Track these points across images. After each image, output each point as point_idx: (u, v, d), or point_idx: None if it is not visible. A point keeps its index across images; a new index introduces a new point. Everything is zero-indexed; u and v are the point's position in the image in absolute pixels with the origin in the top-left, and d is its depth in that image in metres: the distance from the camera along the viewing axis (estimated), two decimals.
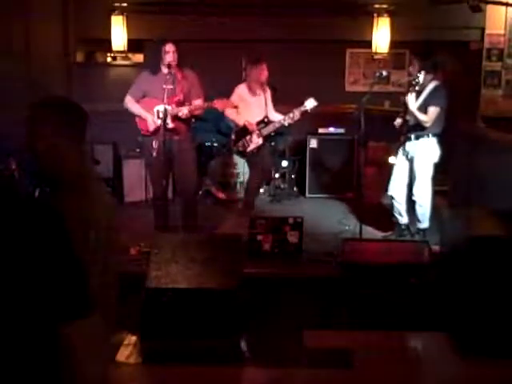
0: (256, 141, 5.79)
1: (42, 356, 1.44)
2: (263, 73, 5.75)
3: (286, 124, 5.76)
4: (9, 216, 1.39)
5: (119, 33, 7.19)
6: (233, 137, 5.85)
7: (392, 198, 5.37)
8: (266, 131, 5.81)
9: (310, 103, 5.61)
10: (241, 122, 5.76)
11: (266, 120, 5.82)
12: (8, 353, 1.38)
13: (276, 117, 5.86)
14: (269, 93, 5.96)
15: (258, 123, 5.79)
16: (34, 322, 1.42)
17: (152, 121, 4.88)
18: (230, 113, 5.73)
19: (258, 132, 5.76)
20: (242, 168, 6.61)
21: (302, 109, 5.63)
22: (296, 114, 5.65)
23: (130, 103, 4.98)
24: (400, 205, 5.34)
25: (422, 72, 4.90)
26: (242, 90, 5.81)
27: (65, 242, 1.46)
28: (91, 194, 1.96)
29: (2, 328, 1.37)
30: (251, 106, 5.79)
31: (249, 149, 5.81)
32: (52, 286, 1.41)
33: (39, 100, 1.99)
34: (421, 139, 5.09)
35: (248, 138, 5.77)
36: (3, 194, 1.44)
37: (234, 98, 5.73)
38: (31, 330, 1.41)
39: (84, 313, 1.48)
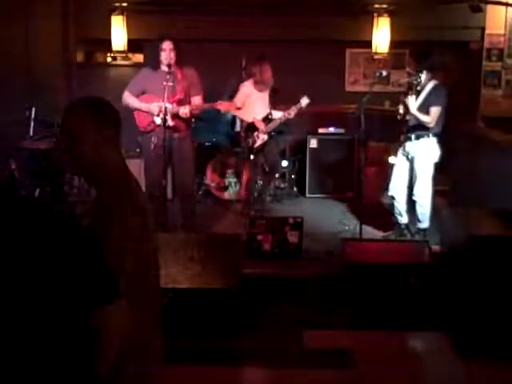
0: (262, 137, 5.85)
1: (76, 339, 1.53)
2: (268, 70, 5.80)
3: (283, 120, 5.84)
4: (41, 218, 1.49)
5: (119, 33, 7.19)
6: (242, 134, 5.89)
7: (392, 198, 5.37)
8: (270, 128, 5.87)
9: (304, 101, 5.69)
10: (249, 119, 5.82)
11: (270, 116, 5.88)
12: (45, 338, 1.47)
13: (277, 113, 5.91)
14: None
15: (263, 120, 5.85)
16: (68, 308, 1.51)
17: (155, 108, 4.84)
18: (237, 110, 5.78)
19: (263, 129, 5.82)
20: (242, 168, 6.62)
21: (298, 106, 5.70)
22: (293, 110, 5.72)
23: (129, 98, 4.96)
24: (400, 205, 5.34)
25: (424, 72, 4.90)
26: (247, 87, 5.84)
27: (86, 239, 1.57)
28: (131, 189, 1.98)
29: (38, 316, 1.45)
30: (256, 103, 5.84)
31: (256, 145, 5.87)
32: (83, 275, 1.52)
33: (77, 101, 1.98)
34: (421, 139, 5.08)
35: (256, 134, 5.83)
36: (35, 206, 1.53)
37: (240, 95, 5.80)
38: (65, 316, 1.51)
39: (113, 298, 1.58)
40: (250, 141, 5.85)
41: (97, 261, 1.58)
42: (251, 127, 5.85)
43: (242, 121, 5.99)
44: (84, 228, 1.63)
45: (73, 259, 1.52)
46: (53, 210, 1.56)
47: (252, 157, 5.97)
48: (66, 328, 1.52)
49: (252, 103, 5.83)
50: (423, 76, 4.90)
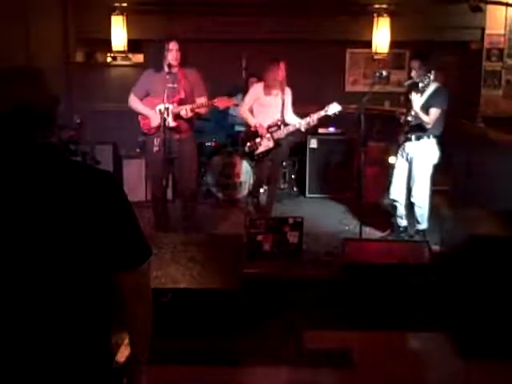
0: (266, 144, 5.53)
1: (102, 297, 1.66)
2: (280, 72, 5.50)
3: (303, 129, 5.47)
4: (80, 181, 1.62)
5: (119, 33, 7.20)
6: (242, 136, 5.74)
7: (394, 201, 5.34)
8: (278, 134, 5.51)
9: (334, 108, 5.28)
10: (252, 123, 5.55)
11: (279, 123, 5.52)
12: (76, 295, 1.60)
13: (293, 119, 5.54)
14: (289, 94, 5.65)
15: (271, 126, 5.51)
16: (100, 268, 1.64)
17: (155, 118, 4.86)
18: (242, 112, 5.60)
19: (269, 135, 5.52)
20: (243, 168, 6.61)
21: (322, 113, 5.33)
22: (314, 118, 5.37)
23: (135, 102, 4.97)
24: (402, 207, 5.33)
25: (432, 72, 4.89)
26: (257, 89, 5.60)
27: (125, 202, 1.70)
28: None
29: (75, 275, 1.58)
30: (265, 107, 5.55)
31: (257, 151, 5.59)
32: (116, 238, 1.65)
33: None
34: (421, 140, 5.08)
35: (258, 140, 5.54)
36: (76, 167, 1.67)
37: (249, 97, 5.60)
38: (96, 276, 1.64)
39: (142, 261, 1.72)
40: (248, 146, 5.59)
41: (135, 222, 1.72)
42: (252, 133, 5.58)
43: (245, 123, 5.78)
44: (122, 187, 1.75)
45: (116, 215, 1.66)
46: (113, 177, 1.72)
47: (254, 162, 5.86)
48: (97, 279, 1.64)
49: (260, 106, 5.56)
50: (431, 76, 4.89)
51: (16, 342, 1.55)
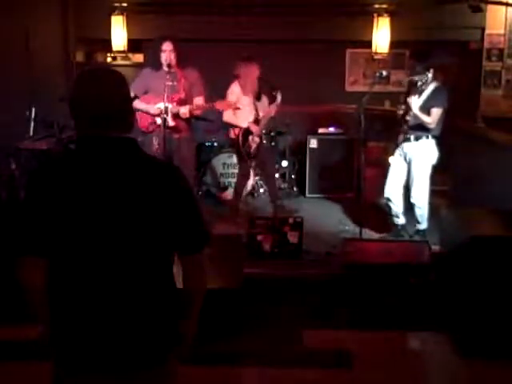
0: (256, 140, 5.76)
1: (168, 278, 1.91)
2: (254, 71, 5.66)
3: (267, 118, 5.85)
4: (151, 172, 1.84)
5: (119, 33, 7.20)
6: (241, 140, 5.72)
7: (388, 199, 5.36)
8: (260, 129, 5.81)
9: (279, 96, 5.70)
10: (243, 125, 5.66)
11: (258, 118, 5.78)
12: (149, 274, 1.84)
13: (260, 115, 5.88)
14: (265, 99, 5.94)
15: (254, 122, 5.74)
16: (167, 252, 1.89)
17: (156, 110, 4.84)
18: (229, 117, 5.66)
19: (257, 132, 5.73)
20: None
21: (277, 103, 5.73)
22: (273, 108, 5.77)
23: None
24: (396, 206, 5.34)
25: (431, 70, 4.89)
26: (236, 89, 5.68)
27: (188, 190, 1.92)
28: None
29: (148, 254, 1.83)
30: (245, 106, 5.67)
31: (252, 149, 5.76)
32: (178, 223, 1.85)
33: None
34: (420, 140, 5.08)
35: (251, 138, 5.71)
36: (148, 160, 1.89)
37: (232, 98, 5.63)
38: (165, 258, 1.89)
39: (203, 247, 1.93)
40: (247, 146, 5.73)
41: (195, 209, 1.91)
42: (247, 132, 5.69)
43: (234, 126, 5.77)
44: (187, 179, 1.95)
45: (182, 203, 1.86)
46: (179, 170, 1.91)
47: (253, 162, 5.93)
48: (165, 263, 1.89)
49: (242, 107, 5.64)
50: (430, 75, 4.89)
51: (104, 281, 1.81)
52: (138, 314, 1.82)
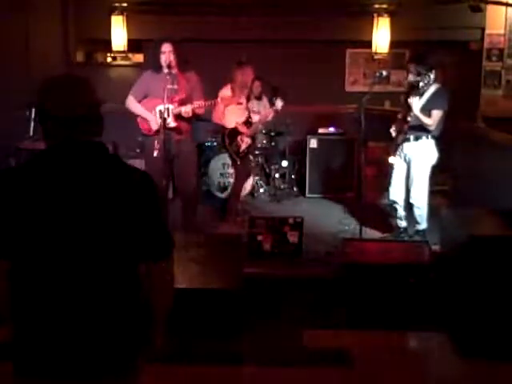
0: (246, 140, 5.86)
1: (130, 289, 1.88)
2: (249, 75, 5.76)
3: (263, 121, 6.01)
4: (118, 177, 1.85)
5: (119, 33, 7.20)
6: (226, 140, 5.83)
7: (394, 202, 5.34)
8: (252, 131, 5.93)
9: (279, 103, 5.78)
10: (231, 125, 5.79)
11: (250, 120, 5.88)
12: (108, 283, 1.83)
13: (254, 118, 5.97)
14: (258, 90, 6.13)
15: (244, 124, 5.84)
16: (131, 260, 1.87)
17: (155, 121, 4.86)
18: (217, 118, 5.73)
19: (247, 132, 5.84)
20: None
21: (274, 109, 5.82)
22: (270, 113, 5.92)
23: (132, 103, 4.96)
24: (402, 208, 5.33)
25: (433, 71, 4.89)
26: (226, 92, 5.71)
27: (156, 199, 1.94)
28: None
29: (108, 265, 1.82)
30: (235, 109, 5.77)
31: (241, 149, 5.86)
32: (142, 231, 1.85)
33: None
34: (419, 141, 5.08)
35: (239, 138, 5.82)
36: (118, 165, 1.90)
37: (222, 101, 5.56)
38: (127, 267, 1.87)
39: (168, 255, 1.93)
40: (235, 146, 5.83)
41: (161, 218, 1.95)
42: (234, 132, 5.82)
43: (221, 127, 5.88)
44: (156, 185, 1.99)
45: (147, 209, 1.87)
46: (148, 176, 1.97)
47: (239, 161, 5.96)
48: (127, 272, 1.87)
49: (231, 109, 5.73)
50: (432, 76, 4.89)
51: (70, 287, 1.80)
52: (101, 321, 1.81)
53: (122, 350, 1.85)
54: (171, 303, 1.98)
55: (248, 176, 6.30)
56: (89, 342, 1.80)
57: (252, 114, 5.98)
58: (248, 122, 5.87)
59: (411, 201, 5.21)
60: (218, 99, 5.04)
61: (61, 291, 1.79)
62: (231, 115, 5.76)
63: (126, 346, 1.86)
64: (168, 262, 1.94)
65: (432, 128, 4.97)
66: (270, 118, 5.99)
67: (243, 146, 5.86)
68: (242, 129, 5.82)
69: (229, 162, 6.65)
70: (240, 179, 6.10)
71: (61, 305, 1.79)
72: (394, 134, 5.18)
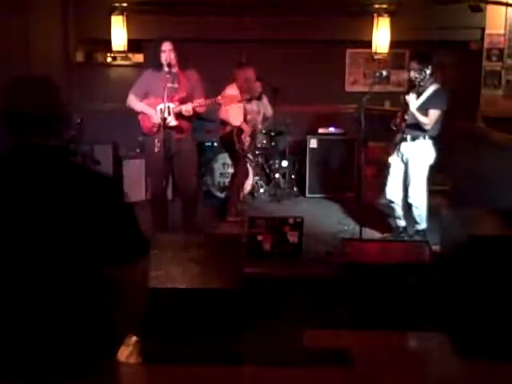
0: (248, 139, 5.98)
1: (97, 291, 1.88)
2: (251, 76, 5.86)
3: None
4: (75, 182, 1.81)
5: (119, 33, 7.20)
6: (235, 138, 5.87)
7: (391, 202, 5.35)
8: (252, 130, 6.07)
9: (265, 100, 6.12)
10: (235, 123, 5.85)
11: (249, 119, 6.00)
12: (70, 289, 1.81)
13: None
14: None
15: (245, 123, 5.96)
16: (97, 262, 1.85)
17: (156, 115, 4.85)
18: (223, 113, 5.80)
19: (249, 131, 5.95)
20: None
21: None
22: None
23: (133, 101, 4.97)
24: (399, 207, 5.33)
25: (429, 67, 4.89)
26: (234, 91, 5.80)
27: (119, 204, 1.89)
28: None
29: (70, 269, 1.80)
30: (239, 107, 5.86)
31: (245, 147, 5.96)
32: (108, 235, 1.83)
33: None
34: (417, 141, 5.08)
35: (243, 136, 5.91)
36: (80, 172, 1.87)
37: (226, 100, 5.75)
38: (93, 270, 1.85)
39: (134, 257, 1.93)
40: (242, 143, 5.92)
41: (130, 220, 1.90)
42: (240, 131, 5.89)
43: (225, 124, 5.94)
44: (122, 191, 1.97)
45: (111, 215, 1.84)
46: (112, 179, 1.97)
47: (252, 158, 6.03)
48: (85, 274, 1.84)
49: (237, 107, 5.82)
50: (428, 71, 4.89)
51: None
52: (60, 323, 1.80)
53: (82, 353, 1.83)
54: (142, 303, 2.00)
55: (247, 175, 6.33)
56: (46, 346, 1.79)
57: (251, 114, 6.03)
58: (248, 121, 5.95)
59: (409, 201, 5.21)
60: (219, 97, 5.04)
61: (17, 298, 1.77)
62: (236, 114, 5.85)
63: (86, 349, 1.84)
64: (137, 265, 1.94)
65: (428, 127, 4.97)
66: (268, 115, 6.11)
67: (246, 144, 5.96)
68: (245, 127, 5.91)
69: (229, 162, 6.66)
70: (241, 178, 6.13)
71: (18, 309, 1.78)
72: (393, 128, 5.17)
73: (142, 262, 1.98)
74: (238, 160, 6.03)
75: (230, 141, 5.90)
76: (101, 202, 1.82)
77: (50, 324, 1.79)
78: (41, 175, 1.78)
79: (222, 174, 6.76)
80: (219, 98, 4.98)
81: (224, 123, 5.95)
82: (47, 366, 1.79)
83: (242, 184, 6.18)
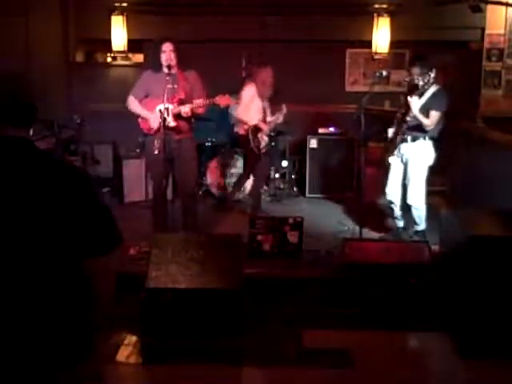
0: (265, 139, 6.07)
1: (72, 281, 1.84)
2: (269, 76, 5.93)
3: (276, 122, 6.16)
4: (55, 176, 1.81)
5: (119, 33, 7.20)
6: (251, 136, 5.95)
7: (391, 202, 5.36)
8: (269, 129, 6.15)
9: (285, 108, 6.04)
10: (253, 122, 5.94)
11: (266, 119, 6.05)
12: (46, 280, 1.79)
13: (268, 117, 6.16)
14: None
15: (263, 121, 6.03)
16: (71, 255, 1.83)
17: (155, 120, 4.86)
18: (240, 113, 5.93)
19: (266, 130, 6.05)
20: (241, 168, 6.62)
21: (283, 112, 6.05)
22: (281, 114, 6.08)
23: (133, 104, 4.96)
24: (398, 208, 5.33)
25: (433, 70, 4.88)
26: (252, 91, 5.93)
27: (91, 195, 1.87)
28: None
29: (44, 262, 1.78)
30: (257, 107, 5.97)
31: (261, 146, 6.04)
32: (81, 227, 1.81)
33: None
34: (416, 141, 5.08)
35: (260, 135, 6.00)
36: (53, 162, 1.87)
37: (246, 96, 5.91)
38: (68, 262, 1.83)
39: (112, 248, 1.91)
40: (257, 141, 5.98)
41: (102, 212, 1.89)
42: (256, 129, 5.96)
43: (242, 122, 5.99)
44: (93, 182, 1.94)
45: (83, 206, 1.82)
46: (84, 171, 1.96)
47: (259, 158, 6.10)
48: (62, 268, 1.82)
49: (254, 106, 5.94)
50: (432, 75, 4.89)
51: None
52: (35, 323, 1.76)
53: (57, 354, 1.80)
54: (112, 296, 1.97)
55: (266, 175, 6.48)
56: (21, 344, 1.74)
57: (267, 113, 6.12)
58: (265, 121, 6.04)
59: (408, 201, 5.21)
60: (216, 98, 5.04)
61: None
62: (253, 113, 5.95)
63: (61, 349, 1.80)
64: (111, 256, 1.90)
65: (429, 128, 4.98)
66: (280, 120, 6.13)
67: (263, 143, 6.04)
68: (263, 126, 5.99)
69: (229, 161, 6.67)
70: (259, 176, 6.30)
71: None
72: (390, 135, 5.20)
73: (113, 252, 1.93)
74: (252, 158, 6.11)
75: (245, 139, 5.95)
76: (71, 192, 1.80)
77: (23, 323, 1.75)
78: (11, 167, 1.77)
79: (222, 174, 6.75)
80: (216, 98, 4.97)
81: (240, 122, 6.03)
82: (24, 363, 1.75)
83: (262, 183, 6.40)
